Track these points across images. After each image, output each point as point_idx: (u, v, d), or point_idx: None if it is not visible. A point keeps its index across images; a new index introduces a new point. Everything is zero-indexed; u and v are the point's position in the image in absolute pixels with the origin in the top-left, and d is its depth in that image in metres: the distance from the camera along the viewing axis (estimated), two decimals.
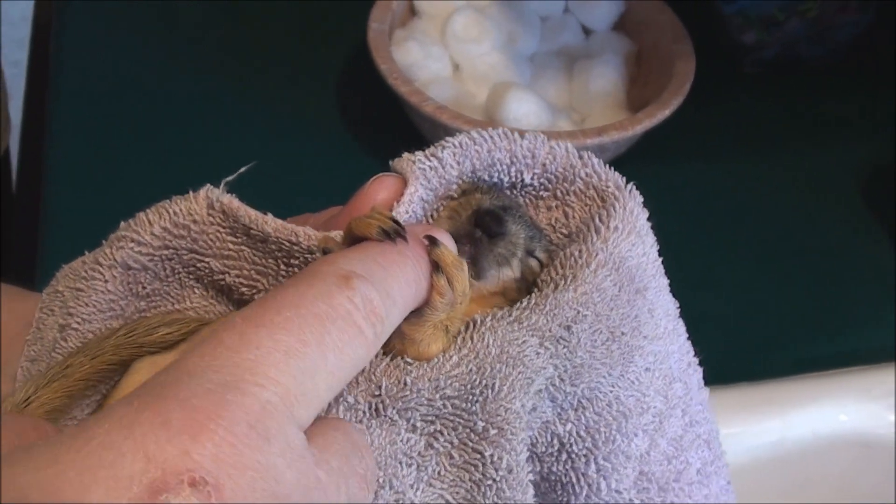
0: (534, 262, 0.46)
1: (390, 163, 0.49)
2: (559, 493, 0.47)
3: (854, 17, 1.22)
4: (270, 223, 0.47)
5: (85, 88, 1.14)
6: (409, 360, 0.43)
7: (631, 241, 0.46)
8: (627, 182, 0.49)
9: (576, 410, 0.44)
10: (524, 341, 0.42)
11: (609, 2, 1.17)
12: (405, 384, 0.42)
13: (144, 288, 0.49)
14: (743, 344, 0.94)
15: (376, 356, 0.43)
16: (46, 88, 1.15)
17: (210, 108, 1.14)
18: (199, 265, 0.48)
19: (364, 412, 0.42)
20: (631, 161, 1.02)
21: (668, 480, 0.47)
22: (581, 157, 0.48)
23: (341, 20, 1.25)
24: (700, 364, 0.54)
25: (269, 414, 0.36)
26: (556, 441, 0.45)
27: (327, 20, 1.28)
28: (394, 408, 0.42)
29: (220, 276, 0.48)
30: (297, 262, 0.47)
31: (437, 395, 0.42)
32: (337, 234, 0.45)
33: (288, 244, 0.46)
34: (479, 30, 1.11)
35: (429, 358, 0.43)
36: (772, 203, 1.10)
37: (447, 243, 0.43)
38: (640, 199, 0.48)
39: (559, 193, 0.49)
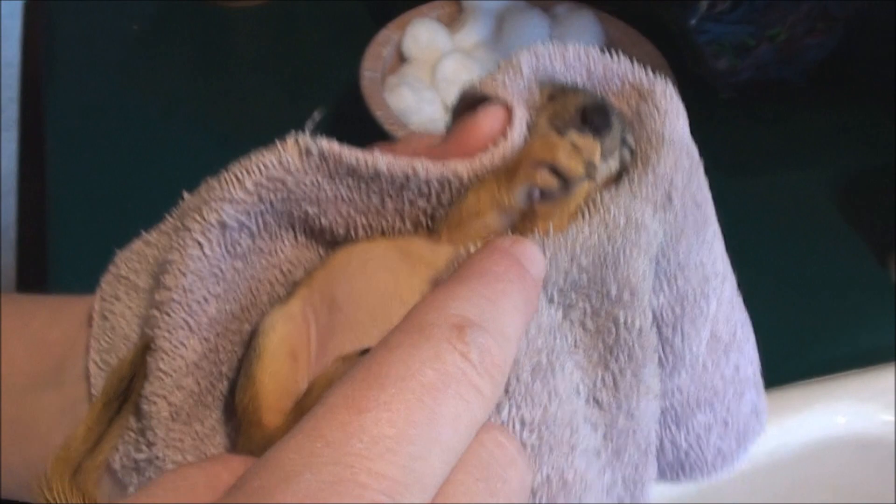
0: (626, 152, 0.47)
1: (476, 85, 0.48)
2: None
3: (821, 38, 1.27)
4: (382, 160, 0.45)
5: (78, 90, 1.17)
6: (541, 236, 0.42)
7: (681, 121, 0.48)
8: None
9: (670, 280, 0.45)
10: (643, 210, 0.44)
11: (589, 39, 1.21)
12: (544, 256, 0.42)
13: (241, 246, 0.47)
14: None
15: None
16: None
17: (203, 155, 1.16)
18: (294, 212, 0.47)
19: None
20: None
21: (729, 340, 0.49)
22: (613, 58, 0.50)
23: (331, 67, 1.29)
24: None
25: None
26: (650, 310, 0.45)
27: (318, 67, 1.32)
28: None
29: (315, 220, 0.47)
30: (409, 193, 0.46)
31: (574, 266, 0.42)
32: (459, 166, 0.45)
33: (403, 178, 0.45)
34: (467, 72, 1.15)
35: (560, 230, 0.43)
36: (754, 221, 1.16)
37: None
38: (672, 85, 0.50)
39: (601, 92, 0.50)
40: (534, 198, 0.45)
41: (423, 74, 1.17)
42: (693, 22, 1.23)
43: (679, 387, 0.49)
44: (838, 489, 0.95)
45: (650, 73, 0.50)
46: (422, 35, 1.19)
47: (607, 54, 0.50)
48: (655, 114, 0.47)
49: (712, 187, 0.50)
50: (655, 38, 1.21)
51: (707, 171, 0.49)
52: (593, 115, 0.46)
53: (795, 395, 0.95)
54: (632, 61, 0.51)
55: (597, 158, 0.44)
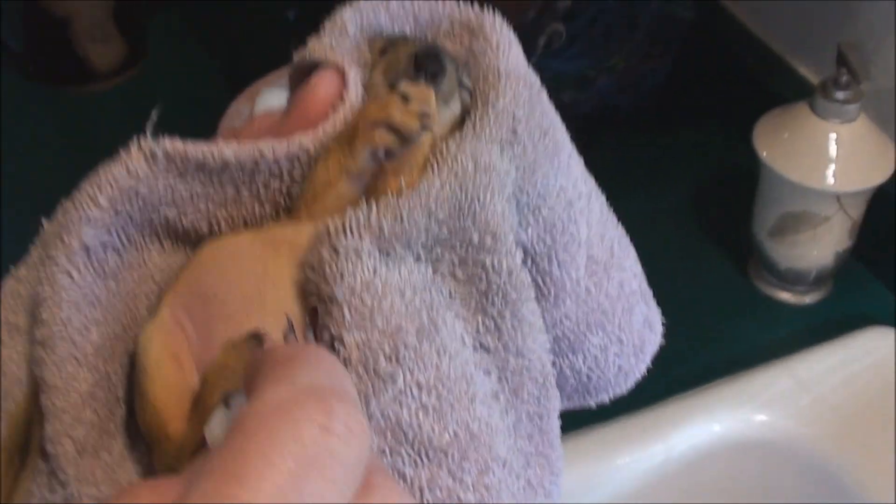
0: (465, 93, 0.47)
1: (304, 54, 0.48)
2: None
3: (658, 63, 1.32)
4: (228, 149, 0.44)
5: None
6: (394, 197, 0.43)
7: (514, 50, 0.48)
8: None
9: (534, 213, 0.46)
10: (489, 150, 0.44)
11: None
12: (402, 218, 0.42)
13: (109, 265, 0.46)
14: None
15: (365, 204, 0.42)
16: None
17: None
18: (154, 220, 0.46)
19: (376, 257, 0.41)
20: None
21: (607, 258, 0.50)
22: (438, 1, 0.50)
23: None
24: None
25: None
26: (520, 250, 0.46)
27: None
28: (398, 243, 0.42)
29: (176, 223, 0.46)
30: (261, 177, 0.45)
31: (432, 221, 0.42)
32: (305, 140, 0.45)
33: (251, 163, 0.45)
34: None
35: (412, 185, 0.43)
36: None
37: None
38: (500, 17, 0.49)
39: (431, 36, 0.50)
40: (380, 157, 0.45)
41: None
42: (532, 60, 1.24)
43: (566, 314, 0.50)
44: (728, 492, 0.98)
45: (476, 9, 0.50)
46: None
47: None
48: (488, 49, 0.47)
49: None
50: None
51: None
52: (425, 61, 0.46)
53: (672, 409, 0.98)
54: (460, 1, 0.50)
55: (431, 107, 0.44)
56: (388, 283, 0.42)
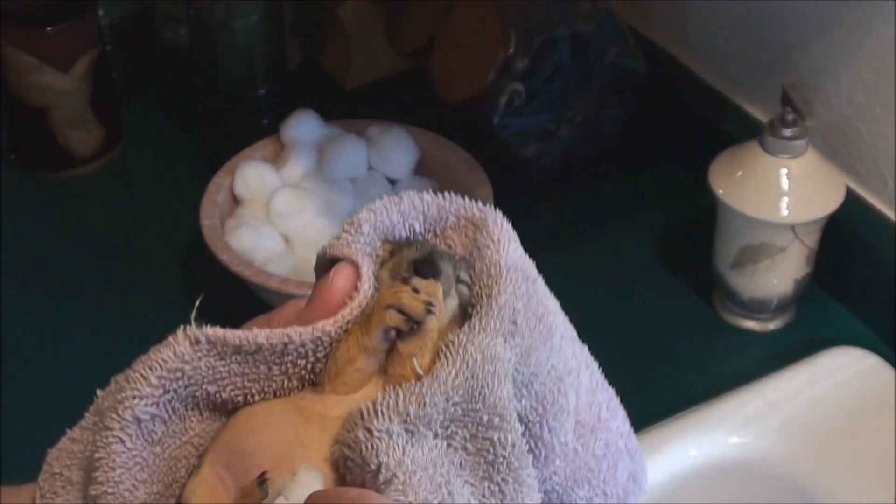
0: (463, 287, 0.53)
1: (325, 249, 0.54)
2: None
3: (615, 112, 1.36)
4: (261, 335, 0.51)
5: None
6: (417, 383, 0.49)
7: (514, 246, 0.54)
8: None
9: (527, 387, 0.52)
10: (494, 342, 0.50)
11: (404, 153, 1.29)
12: (425, 404, 0.49)
13: (156, 433, 0.52)
14: None
15: (391, 393, 0.49)
16: None
17: (60, 327, 1.22)
18: (196, 394, 0.52)
19: (403, 437, 0.48)
20: None
21: (594, 422, 0.55)
22: (445, 197, 0.55)
23: (174, 220, 1.35)
24: None
25: None
26: (518, 422, 0.52)
27: (154, 222, 1.37)
28: (421, 424, 0.48)
29: (216, 396, 0.52)
30: (290, 357, 0.52)
31: (450, 404, 0.49)
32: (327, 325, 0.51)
33: (281, 346, 0.51)
34: (300, 203, 1.21)
35: (427, 370, 0.50)
36: (584, 287, 1.23)
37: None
38: (500, 212, 0.55)
39: (438, 230, 0.55)
40: (391, 337, 0.51)
41: (259, 213, 1.22)
42: (496, 120, 1.30)
43: (555, 472, 0.55)
44: None
45: (480, 205, 0.56)
46: (250, 176, 1.24)
47: (440, 195, 0.56)
48: (490, 243, 0.54)
49: (537, 263, 0.55)
50: (466, 140, 1.29)
51: (532, 249, 0.56)
52: (423, 267, 0.53)
53: (648, 438, 1.02)
54: (466, 198, 0.56)
55: (437, 298, 0.51)
56: (415, 460, 0.48)
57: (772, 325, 1.20)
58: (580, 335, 0.56)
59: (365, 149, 1.29)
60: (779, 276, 1.14)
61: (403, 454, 0.48)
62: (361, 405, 0.49)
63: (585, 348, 0.57)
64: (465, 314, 0.53)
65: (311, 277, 1.10)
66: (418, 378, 0.50)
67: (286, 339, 0.51)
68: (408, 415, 0.49)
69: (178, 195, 1.36)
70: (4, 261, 1.30)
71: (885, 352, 1.13)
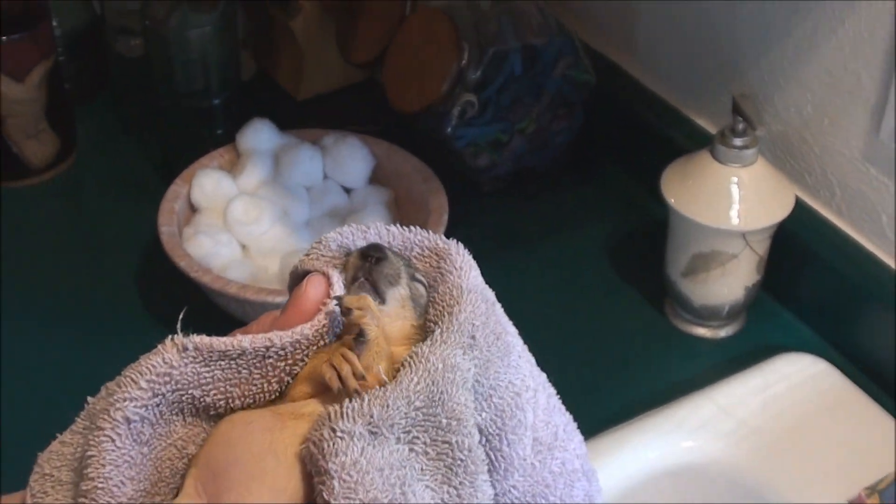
0: (419, 286, 0.58)
1: (298, 265, 0.59)
2: (488, 471, 0.57)
3: (565, 123, 1.38)
4: (245, 340, 0.55)
5: None
6: (381, 389, 0.53)
7: (475, 273, 0.58)
8: None
9: (487, 400, 0.56)
10: (454, 353, 0.54)
11: (360, 162, 1.30)
12: (388, 406, 0.52)
13: (144, 434, 0.56)
14: None
15: (357, 398, 0.53)
16: None
17: (24, 336, 1.21)
18: (183, 398, 0.56)
19: (366, 438, 0.52)
20: None
21: (551, 441, 0.58)
22: (410, 230, 0.61)
23: (131, 228, 1.34)
24: None
25: None
26: (476, 429, 0.55)
27: (110, 231, 1.37)
28: (384, 427, 0.52)
29: (200, 401, 0.56)
30: (270, 359, 0.56)
31: (411, 408, 0.52)
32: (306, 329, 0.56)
33: (263, 349, 0.56)
34: (257, 211, 1.22)
35: (382, 380, 0.54)
36: (535, 293, 1.25)
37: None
38: (462, 244, 0.59)
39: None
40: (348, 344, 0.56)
41: (216, 220, 1.23)
42: (449, 130, 1.31)
43: (514, 485, 0.58)
44: None
45: (443, 237, 0.60)
46: (207, 185, 1.25)
47: (405, 228, 0.61)
48: (453, 269, 0.59)
49: (490, 271, 0.59)
50: (420, 150, 1.30)
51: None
52: (368, 250, 0.58)
53: (603, 442, 1.03)
54: (429, 231, 0.61)
55: (369, 307, 0.55)
56: (371, 461, 0.51)
57: (723, 332, 1.21)
58: (532, 341, 0.59)
59: (320, 158, 1.30)
60: (730, 283, 1.16)
61: (361, 454, 0.51)
62: (330, 407, 0.53)
63: (544, 375, 0.60)
64: (426, 329, 0.58)
65: (269, 284, 1.13)
66: (382, 384, 0.54)
67: (268, 343, 0.56)
68: (371, 416, 0.52)
69: (133, 204, 1.37)
70: None
71: (833, 357, 1.15)
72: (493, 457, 0.57)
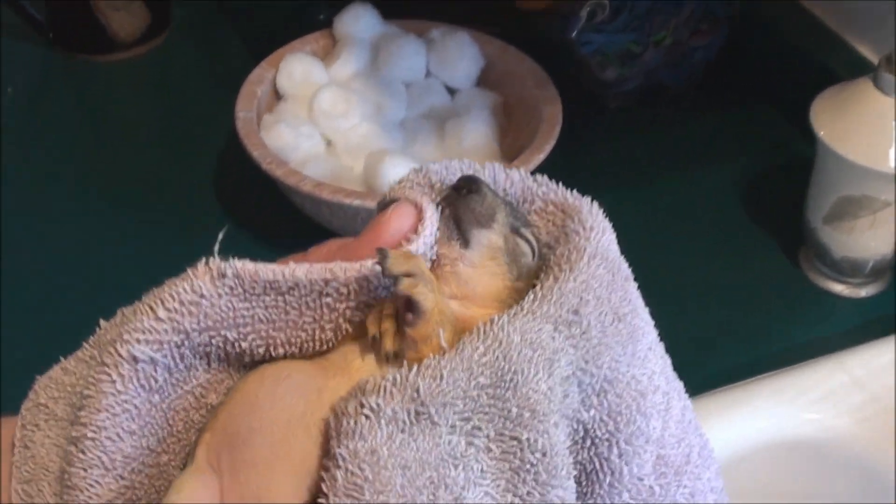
0: (521, 243, 0.48)
1: (388, 192, 0.50)
2: (584, 483, 0.47)
3: (706, 40, 1.30)
4: (300, 269, 0.46)
5: None
6: (436, 358, 0.43)
7: (609, 237, 0.48)
8: None
9: (598, 395, 0.46)
10: (540, 328, 0.44)
11: (468, 61, 1.22)
12: (441, 377, 0.42)
13: (157, 381, 0.47)
14: None
15: (404, 368, 0.44)
16: None
17: (89, 216, 1.18)
18: (212, 341, 0.47)
19: (405, 421, 0.42)
20: None
21: (681, 464, 0.49)
22: (535, 180, 0.51)
23: (209, 111, 1.30)
24: None
25: None
26: (581, 428, 0.46)
27: (193, 115, 1.32)
28: (433, 406, 0.42)
29: (234, 345, 0.47)
30: (328, 299, 0.46)
31: (472, 385, 0.42)
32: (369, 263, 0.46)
33: (321, 283, 0.46)
34: (346, 104, 1.14)
35: (442, 348, 0.44)
36: (658, 229, 1.17)
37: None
38: (597, 203, 0.50)
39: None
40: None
41: (301, 110, 1.16)
42: (575, 34, 1.24)
43: None
44: (770, 493, 0.94)
45: (575, 193, 0.50)
46: (296, 70, 1.18)
47: (529, 176, 0.51)
48: (580, 229, 0.48)
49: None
50: (536, 54, 1.22)
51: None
52: (461, 181, 0.48)
53: (713, 402, 0.95)
54: (559, 184, 0.51)
55: (419, 268, 0.45)
56: (395, 453, 0.42)
57: (864, 292, 1.12)
58: (645, 284, 0.49)
59: (425, 52, 1.23)
60: (878, 235, 1.06)
61: (384, 442, 0.42)
62: (369, 377, 0.44)
63: (680, 383, 0.51)
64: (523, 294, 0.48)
65: (349, 185, 1.05)
66: (441, 354, 0.44)
67: (328, 276, 0.46)
68: (417, 392, 0.43)
69: (221, 88, 1.30)
70: (34, 139, 1.27)
71: None
72: (596, 464, 0.47)
